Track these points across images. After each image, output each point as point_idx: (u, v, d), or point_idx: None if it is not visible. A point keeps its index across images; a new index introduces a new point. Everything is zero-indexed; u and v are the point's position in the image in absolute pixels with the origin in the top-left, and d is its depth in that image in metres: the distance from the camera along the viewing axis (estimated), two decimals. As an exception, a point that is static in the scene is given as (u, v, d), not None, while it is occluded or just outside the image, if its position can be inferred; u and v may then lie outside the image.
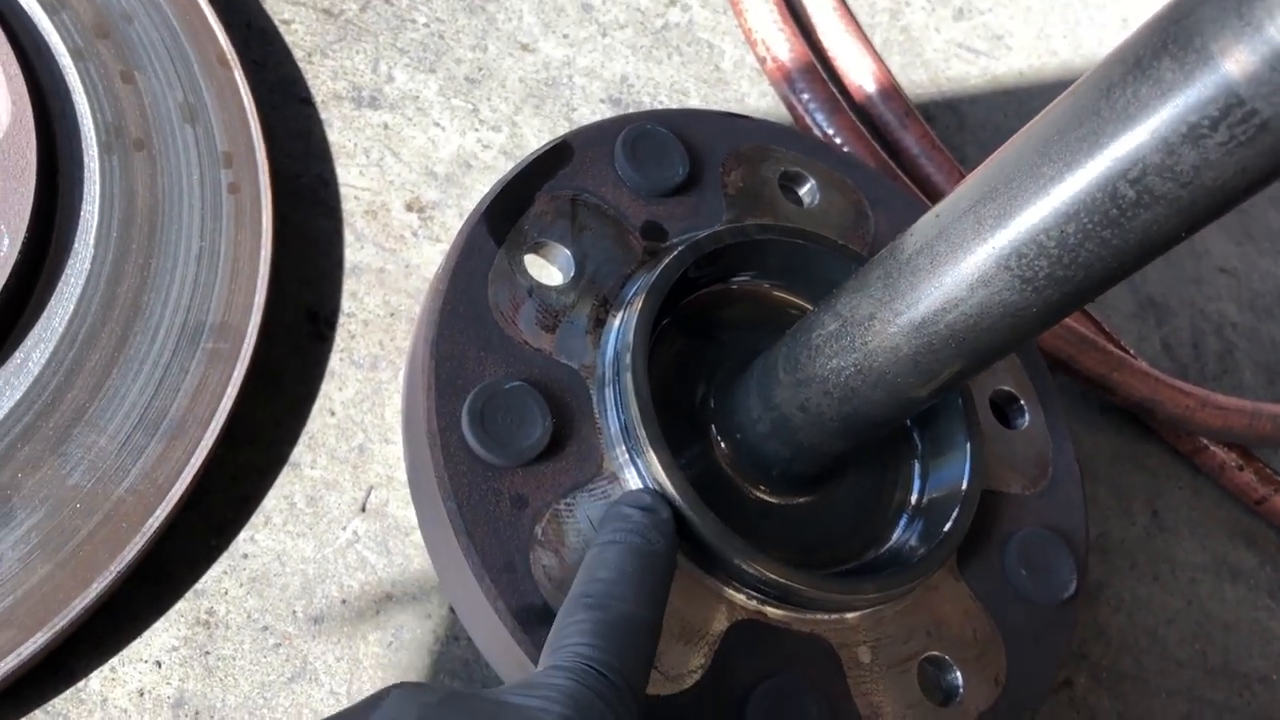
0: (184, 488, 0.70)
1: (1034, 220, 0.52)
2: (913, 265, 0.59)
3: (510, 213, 0.74)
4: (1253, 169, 0.46)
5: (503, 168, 0.94)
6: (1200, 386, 1.14)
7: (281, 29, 0.92)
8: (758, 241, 0.77)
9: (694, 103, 1.04)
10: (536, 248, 0.75)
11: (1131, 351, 1.09)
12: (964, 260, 0.56)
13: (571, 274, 0.74)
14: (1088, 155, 0.49)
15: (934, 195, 1.07)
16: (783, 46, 1.02)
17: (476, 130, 0.95)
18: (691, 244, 0.74)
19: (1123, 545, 1.03)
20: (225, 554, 0.74)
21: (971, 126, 1.19)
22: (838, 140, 1.00)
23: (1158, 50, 0.46)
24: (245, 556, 0.75)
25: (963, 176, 1.08)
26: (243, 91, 0.83)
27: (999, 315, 0.56)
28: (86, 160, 0.76)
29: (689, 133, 0.81)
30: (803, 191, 0.85)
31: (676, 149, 0.80)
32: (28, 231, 0.70)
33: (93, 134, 0.77)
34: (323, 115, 0.90)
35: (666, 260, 0.73)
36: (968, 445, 0.74)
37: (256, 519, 0.76)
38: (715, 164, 0.82)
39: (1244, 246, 1.32)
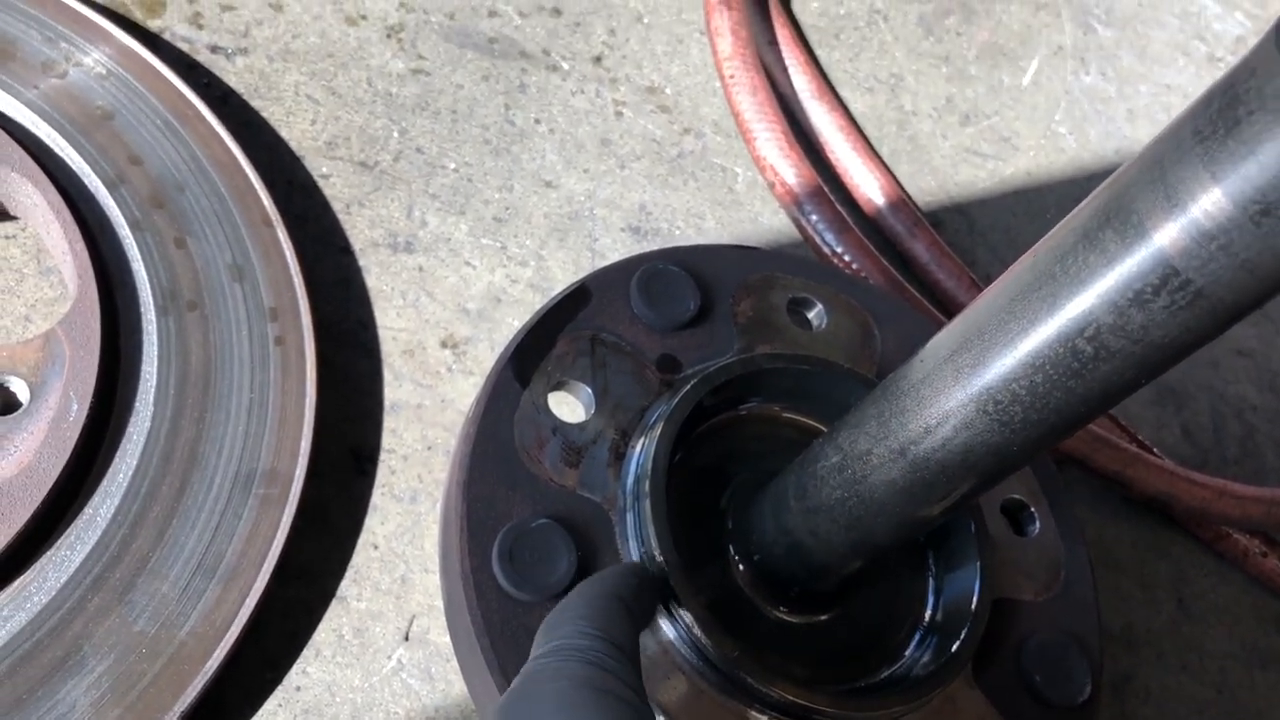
0: (240, 628, 0.76)
1: (1005, 371, 0.56)
2: (901, 406, 0.64)
3: (534, 355, 0.80)
4: (1196, 328, 0.50)
5: (531, 300, 1.00)
6: (1221, 473, 1.16)
7: (321, 183, 0.99)
8: (766, 370, 0.81)
9: (710, 225, 1.10)
10: (559, 386, 0.80)
11: (1147, 443, 1.11)
12: (946, 404, 0.60)
13: (593, 409, 0.79)
14: (1047, 314, 0.54)
15: (946, 302, 1.12)
16: (790, 172, 1.08)
17: (505, 266, 1.01)
18: (703, 376, 0.79)
19: (1149, 635, 1.05)
20: (280, 687, 0.79)
21: (981, 229, 1.23)
22: (846, 258, 1.05)
23: (1102, 223, 0.51)
24: (298, 689, 0.80)
25: (973, 281, 1.13)
26: (285, 249, 0.90)
27: (984, 453, 0.61)
28: (145, 324, 0.83)
29: (700, 268, 0.87)
30: (811, 315, 0.90)
31: (688, 285, 0.85)
32: (94, 397, 0.77)
33: (150, 299, 0.84)
34: (361, 262, 0.97)
35: (681, 392, 0.78)
36: (978, 562, 0.78)
37: (308, 652, 0.81)
38: (726, 295, 0.87)
39: (1261, 327, 1.34)
